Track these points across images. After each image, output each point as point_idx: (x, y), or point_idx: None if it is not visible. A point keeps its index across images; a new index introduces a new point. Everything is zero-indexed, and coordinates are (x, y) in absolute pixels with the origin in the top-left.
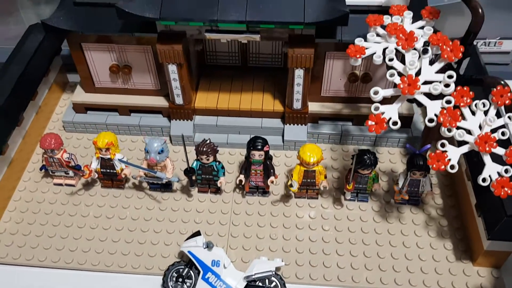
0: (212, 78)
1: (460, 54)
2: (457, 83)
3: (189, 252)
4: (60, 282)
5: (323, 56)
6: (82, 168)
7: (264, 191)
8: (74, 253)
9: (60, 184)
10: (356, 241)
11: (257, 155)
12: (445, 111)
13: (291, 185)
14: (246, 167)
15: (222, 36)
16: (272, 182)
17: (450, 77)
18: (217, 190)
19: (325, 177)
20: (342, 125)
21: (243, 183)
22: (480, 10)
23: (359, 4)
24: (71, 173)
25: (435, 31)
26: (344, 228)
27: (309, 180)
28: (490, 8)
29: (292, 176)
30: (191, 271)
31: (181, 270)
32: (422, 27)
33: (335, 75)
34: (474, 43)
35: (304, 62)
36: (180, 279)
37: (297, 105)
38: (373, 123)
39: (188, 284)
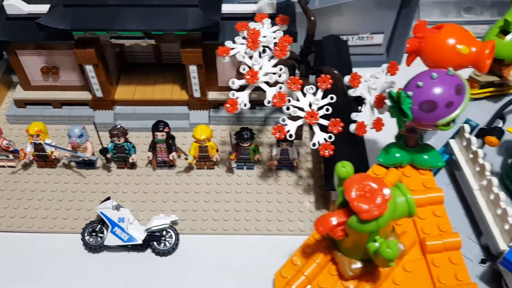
0: (131, 74)
1: (287, 53)
2: (308, 73)
3: (101, 212)
4: (3, 243)
5: (214, 54)
6: (19, 152)
7: (170, 165)
8: (14, 219)
9: (3, 166)
10: (241, 199)
11: (160, 135)
12: (276, 95)
13: (186, 158)
14: (152, 145)
15: (125, 41)
16: (174, 157)
17: (280, 69)
18: (132, 166)
19: (217, 150)
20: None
21: (150, 159)
22: (312, 18)
23: (238, 12)
24: (11, 156)
25: (291, 34)
26: (232, 190)
27: (204, 154)
28: (360, 9)
29: (189, 151)
30: (103, 227)
31: (95, 226)
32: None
33: (227, 68)
34: (348, 38)
35: (195, 60)
36: (94, 234)
37: (197, 94)
38: (229, 105)
39: (100, 236)
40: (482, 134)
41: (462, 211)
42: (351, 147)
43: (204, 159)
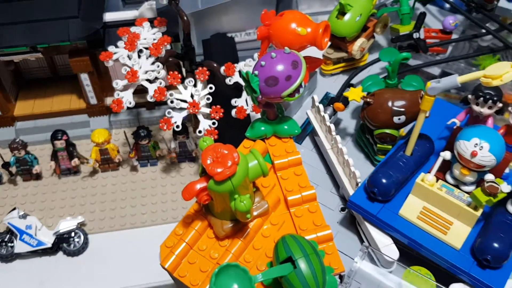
0: (29, 89)
1: (162, 51)
2: (193, 69)
3: (8, 223)
4: None
5: None
6: None
7: (75, 172)
8: None
9: None
10: (146, 194)
11: (59, 144)
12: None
13: (88, 162)
14: (53, 154)
15: (14, 57)
16: (75, 163)
17: (158, 66)
18: (38, 177)
19: (118, 152)
20: (137, 110)
21: (54, 168)
22: (185, 18)
23: (121, 19)
24: None
25: (170, 34)
26: (137, 187)
27: (106, 157)
28: (243, 6)
29: (90, 156)
30: (12, 237)
31: (4, 237)
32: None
33: (120, 72)
34: (237, 34)
35: (84, 68)
36: (4, 244)
37: (93, 101)
38: (115, 105)
39: (11, 246)
40: (331, 102)
41: (323, 170)
42: (241, 130)
43: (107, 162)
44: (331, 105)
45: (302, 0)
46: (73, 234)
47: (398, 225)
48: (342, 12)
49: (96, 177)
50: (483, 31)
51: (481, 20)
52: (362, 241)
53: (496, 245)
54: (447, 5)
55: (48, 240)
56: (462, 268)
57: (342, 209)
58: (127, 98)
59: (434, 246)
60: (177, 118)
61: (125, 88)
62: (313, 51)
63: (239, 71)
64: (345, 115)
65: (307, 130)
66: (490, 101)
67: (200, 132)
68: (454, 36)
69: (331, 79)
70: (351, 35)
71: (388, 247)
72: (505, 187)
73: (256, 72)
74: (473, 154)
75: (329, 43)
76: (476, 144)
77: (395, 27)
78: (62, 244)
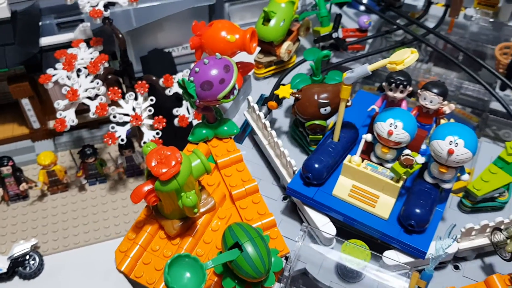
0: None
1: (100, 68)
2: (132, 84)
3: None
4: None
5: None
6: None
7: (24, 196)
8: None
9: None
10: (97, 211)
11: (5, 170)
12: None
13: (36, 185)
14: (0, 181)
15: None
16: (24, 187)
17: (98, 83)
18: None
19: (66, 173)
20: (81, 131)
21: (2, 195)
22: (120, 35)
23: (58, 42)
24: None
25: (106, 53)
26: (88, 205)
27: (53, 178)
28: (176, 22)
29: (38, 179)
30: None
31: None
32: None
33: (61, 94)
34: (174, 49)
35: (24, 93)
36: None
37: (36, 125)
38: (58, 124)
39: None
40: (265, 101)
41: (264, 165)
42: (185, 137)
43: (55, 183)
44: (265, 105)
45: (234, 12)
46: (27, 257)
47: (332, 204)
48: (267, 19)
49: (46, 200)
50: (395, 27)
51: (392, 17)
52: None
53: (418, 210)
54: (362, 7)
55: (2, 265)
56: (392, 236)
57: (284, 198)
58: (70, 117)
59: (365, 219)
60: (121, 132)
61: (67, 107)
62: (245, 57)
63: (178, 81)
64: (279, 114)
65: (247, 131)
66: (401, 85)
67: (145, 143)
68: (370, 34)
69: (264, 82)
70: (277, 40)
71: (326, 226)
72: (419, 159)
73: (191, 78)
74: (389, 133)
75: (258, 48)
76: (391, 123)
77: (316, 29)
78: (18, 268)
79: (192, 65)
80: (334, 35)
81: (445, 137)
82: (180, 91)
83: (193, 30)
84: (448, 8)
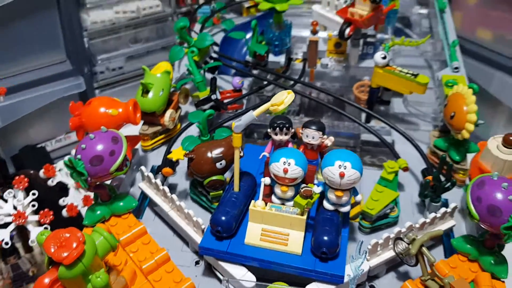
0: None
1: None
2: (1, 182)
3: None
4: None
5: None
6: None
7: None
8: None
9: None
10: None
11: None
12: None
13: None
14: None
15: None
16: None
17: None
18: None
19: None
20: None
21: None
22: None
23: None
24: None
25: None
26: None
27: None
28: (44, 115)
29: None
30: None
31: None
32: None
33: None
34: (47, 144)
35: None
36: None
37: None
38: None
39: None
40: (159, 170)
41: (170, 234)
42: (79, 224)
43: None
44: (160, 173)
45: None
46: None
47: (248, 253)
48: (145, 90)
49: None
50: (265, 82)
51: (261, 74)
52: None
53: (326, 238)
54: (233, 70)
55: None
56: (308, 268)
57: (197, 262)
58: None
59: (281, 259)
60: (4, 235)
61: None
62: (129, 131)
63: (64, 162)
64: (176, 180)
65: (144, 204)
66: (284, 128)
67: (33, 242)
68: (244, 92)
69: (154, 153)
70: (159, 109)
71: (245, 276)
72: (316, 189)
73: (78, 156)
74: (285, 171)
75: (142, 121)
76: (284, 162)
77: (195, 94)
78: None
79: (73, 151)
80: (213, 97)
81: (334, 162)
82: (64, 179)
83: (71, 111)
84: (306, 61)
